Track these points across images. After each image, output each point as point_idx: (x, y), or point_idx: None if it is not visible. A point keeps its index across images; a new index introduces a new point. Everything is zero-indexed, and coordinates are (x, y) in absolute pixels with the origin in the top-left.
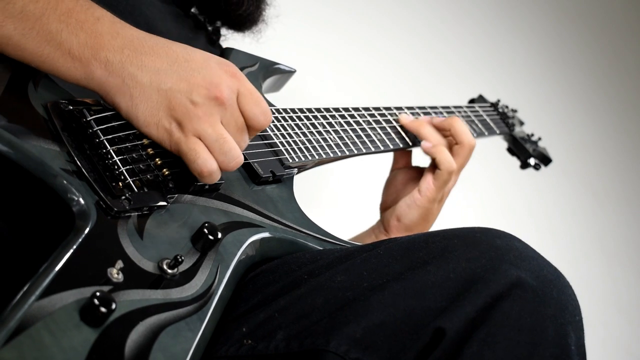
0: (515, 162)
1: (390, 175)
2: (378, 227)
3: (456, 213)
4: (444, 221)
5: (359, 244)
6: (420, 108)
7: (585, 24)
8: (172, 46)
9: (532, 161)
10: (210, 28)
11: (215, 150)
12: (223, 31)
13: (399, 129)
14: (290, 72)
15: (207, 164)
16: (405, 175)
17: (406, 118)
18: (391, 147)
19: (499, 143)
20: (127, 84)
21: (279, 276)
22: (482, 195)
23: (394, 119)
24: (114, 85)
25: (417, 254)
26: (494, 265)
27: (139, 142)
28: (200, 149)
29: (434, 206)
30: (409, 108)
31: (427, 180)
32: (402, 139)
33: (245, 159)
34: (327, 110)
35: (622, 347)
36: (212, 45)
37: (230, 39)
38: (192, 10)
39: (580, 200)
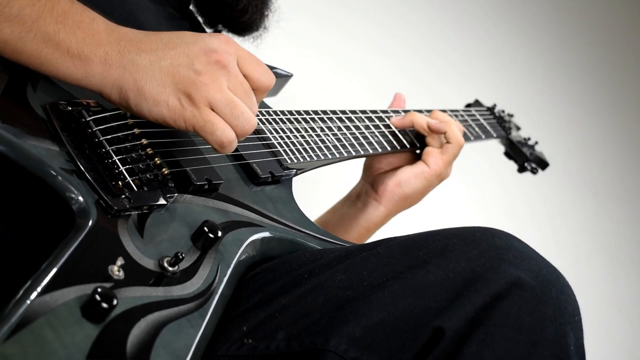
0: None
1: None
2: (364, 191)
3: (456, 212)
4: (444, 220)
5: (358, 243)
6: (416, 111)
7: (585, 23)
8: (164, 32)
9: (529, 165)
10: (212, 30)
11: (228, 115)
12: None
13: (396, 131)
14: (287, 77)
15: (225, 134)
16: None
17: (396, 119)
18: (389, 149)
19: (496, 145)
20: (129, 70)
21: (279, 275)
22: (483, 194)
23: (391, 122)
24: (116, 76)
25: (417, 253)
26: (494, 264)
27: (138, 142)
28: (216, 119)
29: (436, 181)
30: (405, 111)
31: (435, 155)
32: (399, 141)
33: (244, 159)
34: (325, 112)
35: (623, 348)
36: None
37: None
38: (190, 7)
39: (581, 200)
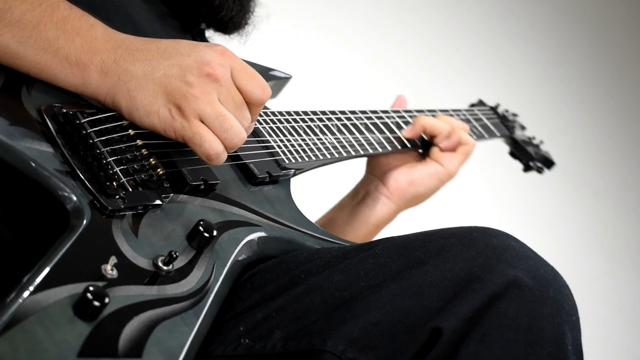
0: (515, 162)
1: None
2: (374, 187)
3: (454, 212)
4: (442, 220)
5: (356, 242)
6: (418, 111)
7: (586, 25)
8: (161, 40)
9: (534, 164)
10: (195, 29)
11: (217, 128)
12: (209, 33)
13: (397, 131)
14: (286, 79)
15: (213, 147)
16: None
17: (406, 131)
18: (389, 148)
19: (500, 144)
20: (123, 80)
21: (277, 275)
22: (482, 195)
23: (391, 122)
24: (111, 84)
25: (414, 254)
26: (491, 264)
27: (133, 142)
28: (204, 132)
29: (447, 181)
30: (406, 111)
31: (449, 156)
32: (400, 140)
33: (241, 159)
34: (324, 112)
35: (622, 347)
36: None
37: (217, 40)
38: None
39: (581, 201)
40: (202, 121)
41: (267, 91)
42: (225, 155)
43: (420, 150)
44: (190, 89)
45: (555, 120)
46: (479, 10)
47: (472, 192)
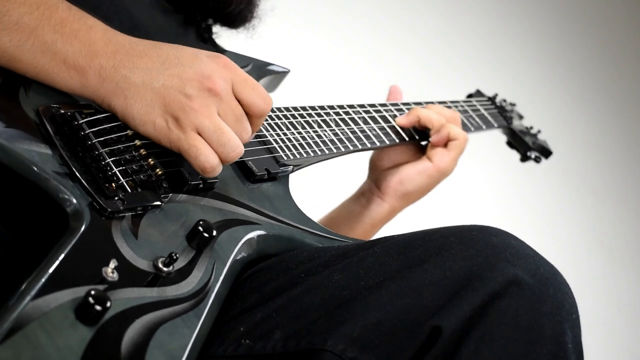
0: (516, 161)
1: None
2: (368, 188)
3: (454, 211)
4: (441, 219)
5: (356, 240)
6: (416, 104)
7: (585, 20)
8: (163, 47)
9: (532, 154)
10: (203, 25)
11: (214, 142)
12: (215, 28)
13: (395, 124)
14: (284, 73)
15: (209, 160)
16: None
17: (400, 118)
18: (387, 142)
19: (499, 142)
20: (121, 87)
21: (276, 274)
22: (482, 194)
23: (389, 115)
24: (109, 90)
25: (414, 252)
26: (491, 263)
27: (131, 143)
28: (200, 144)
29: (440, 177)
30: (404, 104)
31: (439, 152)
32: (397, 133)
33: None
34: (322, 107)
35: (622, 347)
36: (204, 42)
37: (223, 35)
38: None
39: (581, 200)
40: (199, 134)
41: (269, 102)
42: (220, 168)
43: (423, 143)
44: (189, 102)
45: (555, 120)
46: (479, 10)
47: (473, 191)
